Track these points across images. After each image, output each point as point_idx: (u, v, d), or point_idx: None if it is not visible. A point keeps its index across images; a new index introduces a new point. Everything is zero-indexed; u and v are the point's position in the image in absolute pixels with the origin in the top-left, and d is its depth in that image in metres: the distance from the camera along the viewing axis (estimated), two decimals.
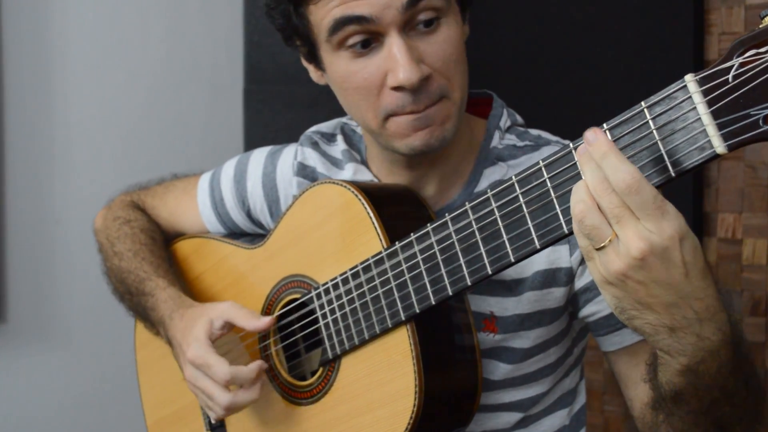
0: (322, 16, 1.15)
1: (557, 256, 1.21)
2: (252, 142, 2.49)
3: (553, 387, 1.32)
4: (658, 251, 0.85)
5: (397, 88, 1.14)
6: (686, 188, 2.03)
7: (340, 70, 1.18)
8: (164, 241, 1.55)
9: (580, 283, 1.22)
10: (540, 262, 1.21)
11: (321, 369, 1.25)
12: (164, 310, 1.37)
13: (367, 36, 1.14)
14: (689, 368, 0.93)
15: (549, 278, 1.22)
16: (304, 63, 1.29)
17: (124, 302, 1.52)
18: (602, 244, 0.87)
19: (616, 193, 0.85)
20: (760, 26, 0.76)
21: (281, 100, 2.48)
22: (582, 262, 1.20)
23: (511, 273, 1.22)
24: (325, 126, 1.44)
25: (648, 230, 0.84)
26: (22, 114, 2.29)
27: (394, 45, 1.13)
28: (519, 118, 1.34)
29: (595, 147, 0.86)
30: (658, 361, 0.97)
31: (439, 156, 1.25)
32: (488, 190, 1.00)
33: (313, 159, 1.40)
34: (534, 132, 1.31)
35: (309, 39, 1.21)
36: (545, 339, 1.26)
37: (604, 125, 0.88)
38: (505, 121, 1.30)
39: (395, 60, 1.13)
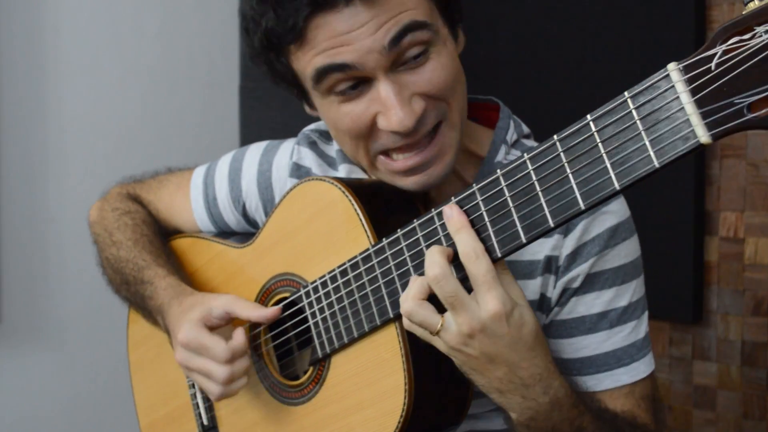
0: (303, 66, 1.11)
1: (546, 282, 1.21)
2: (248, 139, 2.49)
3: None
4: (486, 329, 0.97)
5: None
6: (688, 186, 2.01)
7: (330, 114, 1.16)
8: (163, 235, 1.53)
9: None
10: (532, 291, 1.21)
11: (311, 368, 1.23)
12: (163, 297, 1.34)
13: (355, 81, 1.10)
14: (520, 422, 1.05)
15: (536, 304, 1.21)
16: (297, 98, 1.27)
17: (120, 293, 1.49)
18: (436, 330, 0.99)
19: (452, 279, 0.96)
20: (744, 12, 0.74)
21: (277, 97, 2.47)
22: (561, 294, 1.21)
23: None
24: (324, 124, 1.42)
25: (477, 309, 0.96)
26: (15, 112, 2.29)
27: (383, 88, 1.08)
28: (525, 128, 1.31)
29: (452, 222, 0.97)
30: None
31: None
32: (474, 185, 0.99)
33: (309, 159, 1.38)
34: None
35: (296, 83, 1.18)
36: None
37: (588, 116, 0.87)
38: (511, 135, 1.27)
39: (385, 105, 1.09)
